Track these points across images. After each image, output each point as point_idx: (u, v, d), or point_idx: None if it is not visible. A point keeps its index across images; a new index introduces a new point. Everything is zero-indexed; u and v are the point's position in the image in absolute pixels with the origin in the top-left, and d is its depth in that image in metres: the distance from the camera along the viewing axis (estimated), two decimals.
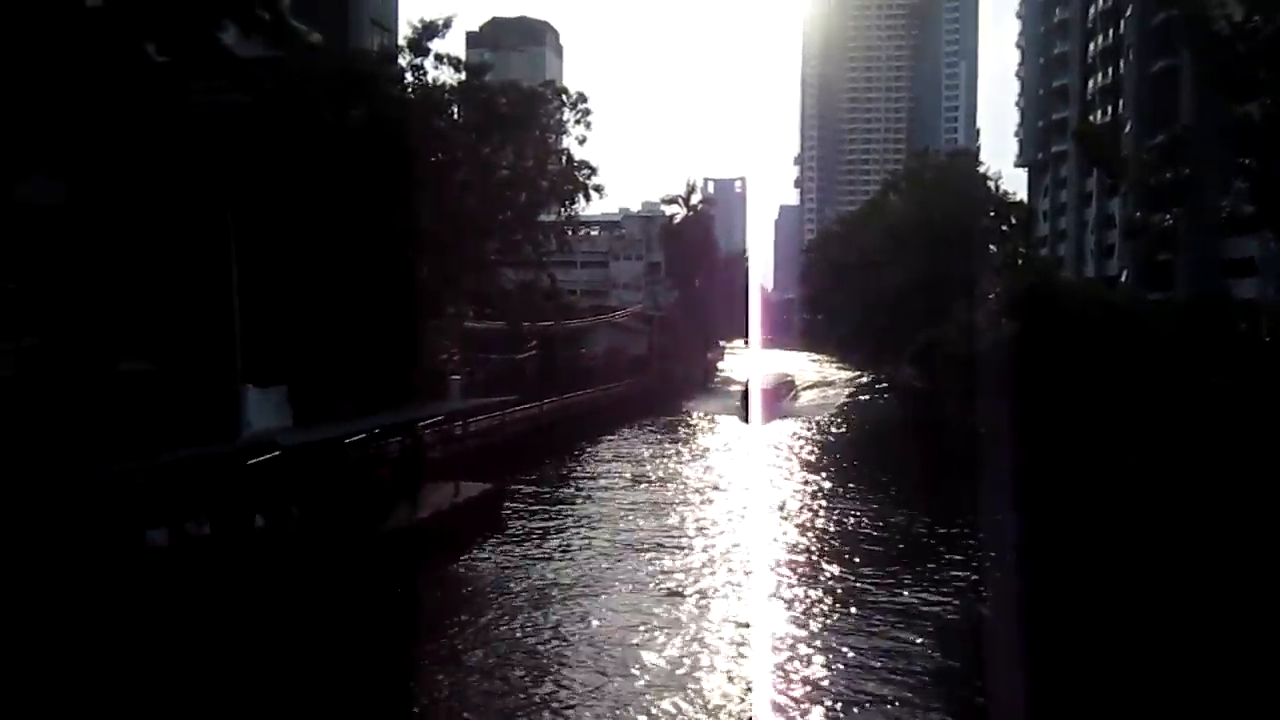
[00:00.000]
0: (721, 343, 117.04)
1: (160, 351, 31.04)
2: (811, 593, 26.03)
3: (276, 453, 24.77)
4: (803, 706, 18.63)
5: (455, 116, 42.79)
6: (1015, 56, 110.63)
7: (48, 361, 23.69)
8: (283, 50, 31.38)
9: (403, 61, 40.43)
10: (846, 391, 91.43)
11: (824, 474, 45.47)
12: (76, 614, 18.28)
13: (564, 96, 48.37)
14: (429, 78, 41.58)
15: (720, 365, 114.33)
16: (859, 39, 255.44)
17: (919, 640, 22.20)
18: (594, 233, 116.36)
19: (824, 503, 38.42)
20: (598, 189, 50.39)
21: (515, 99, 45.40)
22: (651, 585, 26.88)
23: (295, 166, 30.32)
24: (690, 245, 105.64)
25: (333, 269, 31.74)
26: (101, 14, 26.16)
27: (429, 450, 35.93)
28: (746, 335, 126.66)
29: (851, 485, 42.34)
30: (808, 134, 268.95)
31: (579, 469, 47.19)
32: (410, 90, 37.03)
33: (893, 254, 72.30)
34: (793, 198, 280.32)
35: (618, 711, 18.48)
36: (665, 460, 49.35)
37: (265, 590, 22.14)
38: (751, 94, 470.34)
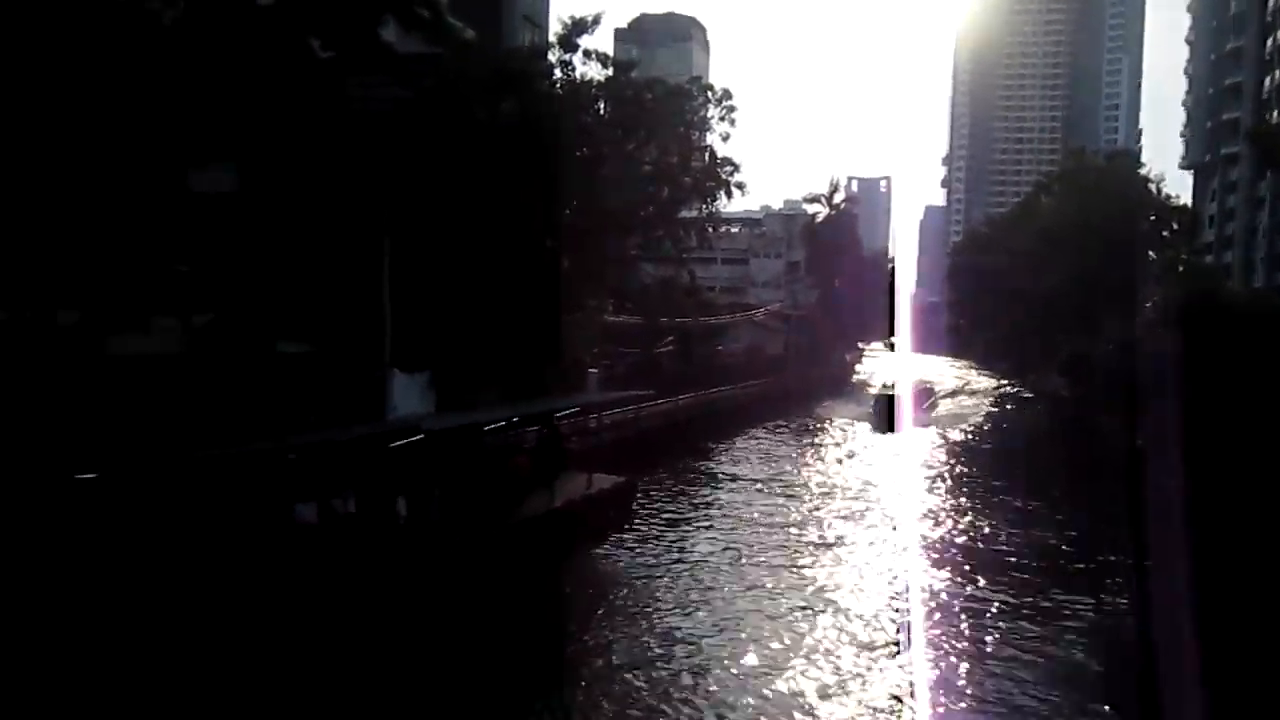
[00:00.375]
0: (860, 345, 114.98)
1: (315, 334, 32.50)
2: (959, 609, 25.28)
3: (419, 436, 25.52)
4: None
5: (601, 112, 43.25)
6: (1183, 52, 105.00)
7: (214, 341, 25.04)
8: (440, 47, 32.36)
9: (552, 58, 41.12)
10: (990, 400, 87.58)
11: (965, 486, 43.77)
12: (229, 582, 19.28)
13: (709, 93, 48.30)
14: (577, 74, 42.19)
15: (858, 367, 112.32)
16: (1014, 32, 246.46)
17: (1081, 657, 21.41)
18: (734, 229, 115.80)
19: (967, 516, 37.15)
20: (739, 186, 50.26)
21: (661, 95, 45.60)
22: (784, 592, 26.52)
23: (447, 161, 31.23)
24: (832, 244, 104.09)
25: (479, 260, 32.57)
26: (271, 12, 27.52)
27: (565, 441, 36.43)
28: (887, 338, 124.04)
29: (997, 499, 40.72)
30: (957, 132, 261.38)
31: (713, 466, 47.10)
32: (559, 86, 37.60)
33: (1044, 258, 69.62)
34: (939, 198, 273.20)
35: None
36: (800, 463, 48.75)
37: (407, 571, 22.87)
38: (898, 91, 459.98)
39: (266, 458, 24.48)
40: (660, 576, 27.46)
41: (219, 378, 26.83)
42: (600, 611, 24.39)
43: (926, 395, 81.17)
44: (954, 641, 22.41)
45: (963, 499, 40.80)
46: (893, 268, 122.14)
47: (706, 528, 33.81)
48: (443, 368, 31.97)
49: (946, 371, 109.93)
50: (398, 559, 23.15)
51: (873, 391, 76.15)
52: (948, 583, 27.48)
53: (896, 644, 22.30)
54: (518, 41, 50.59)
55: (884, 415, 64.73)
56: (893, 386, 74.52)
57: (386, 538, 24.00)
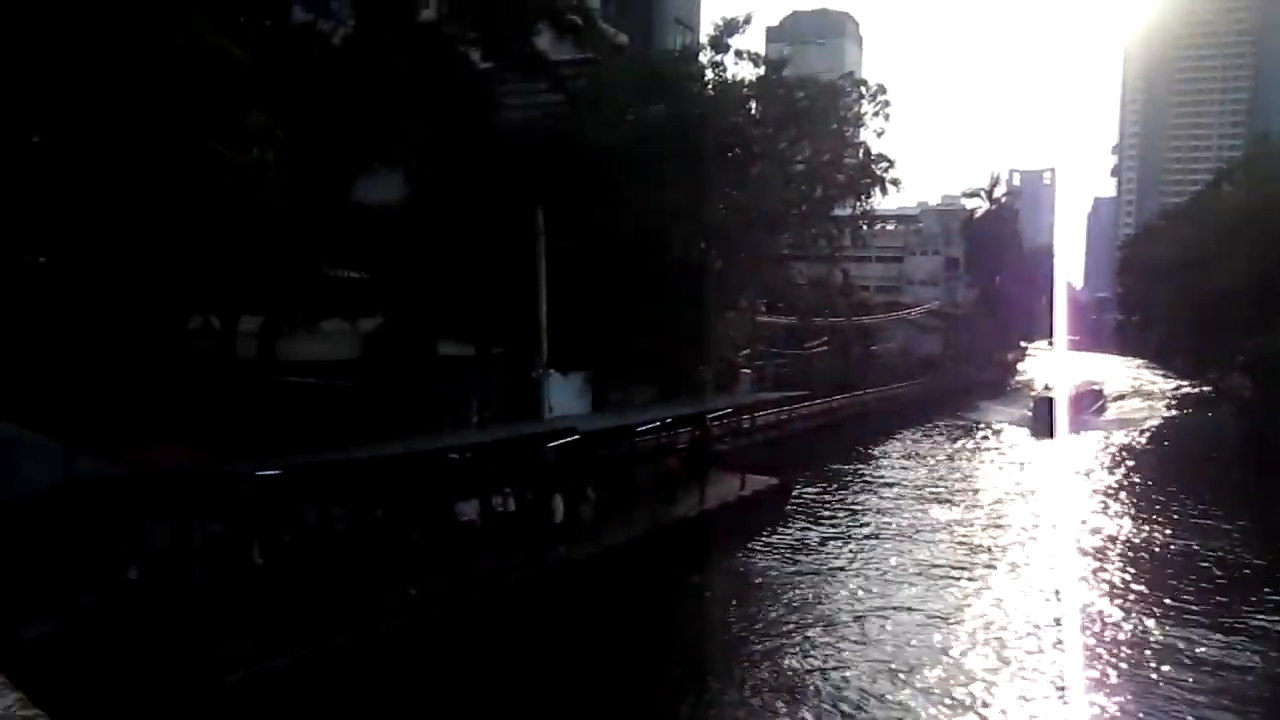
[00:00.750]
0: (1023, 344, 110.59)
1: (475, 337, 33.49)
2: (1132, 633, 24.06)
3: (575, 437, 25.95)
4: None
5: (753, 112, 43.01)
6: None
7: (382, 344, 26.09)
8: (592, 53, 32.85)
9: (703, 59, 41.13)
10: (1165, 402, 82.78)
11: (1138, 499, 41.22)
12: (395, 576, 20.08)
13: (863, 89, 47.36)
14: (729, 74, 42.10)
15: (1020, 367, 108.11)
16: (1193, 11, 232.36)
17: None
18: (889, 227, 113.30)
19: (1142, 531, 35.17)
20: (894, 182, 49.04)
21: (813, 92, 44.99)
22: (943, 609, 25.70)
23: (601, 164, 31.65)
24: (992, 240, 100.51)
25: (631, 263, 32.87)
26: (433, 26, 28.52)
27: (716, 442, 36.42)
28: (1051, 336, 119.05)
29: (1169, 509, 38.45)
30: (1128, 119, 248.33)
31: (866, 470, 46.21)
32: (710, 87, 37.57)
33: (1224, 251, 65.34)
34: (1108, 190, 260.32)
35: None
36: (956, 469, 47.07)
37: (562, 571, 23.30)
38: (1063, 79, 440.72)
39: (429, 457, 25.39)
40: (809, 584, 27.01)
41: (386, 379, 27.98)
42: (749, 611, 24.21)
43: (1094, 398, 76.66)
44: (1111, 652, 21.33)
45: (1128, 509, 38.71)
46: (1057, 263, 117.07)
47: (860, 533, 33.13)
48: (598, 369, 32.40)
49: (1116, 371, 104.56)
50: (549, 559, 23.62)
51: (1033, 394, 72.22)
52: (1108, 599, 26.17)
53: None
54: (669, 44, 50.86)
55: (1044, 419, 61.06)
56: (1054, 388, 70.84)
57: (544, 537, 24.52)
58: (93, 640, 16.95)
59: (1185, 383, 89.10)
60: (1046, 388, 74.60)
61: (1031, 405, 66.16)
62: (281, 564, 18.59)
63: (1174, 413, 75.68)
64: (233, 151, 17.67)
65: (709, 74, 39.65)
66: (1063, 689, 19.69)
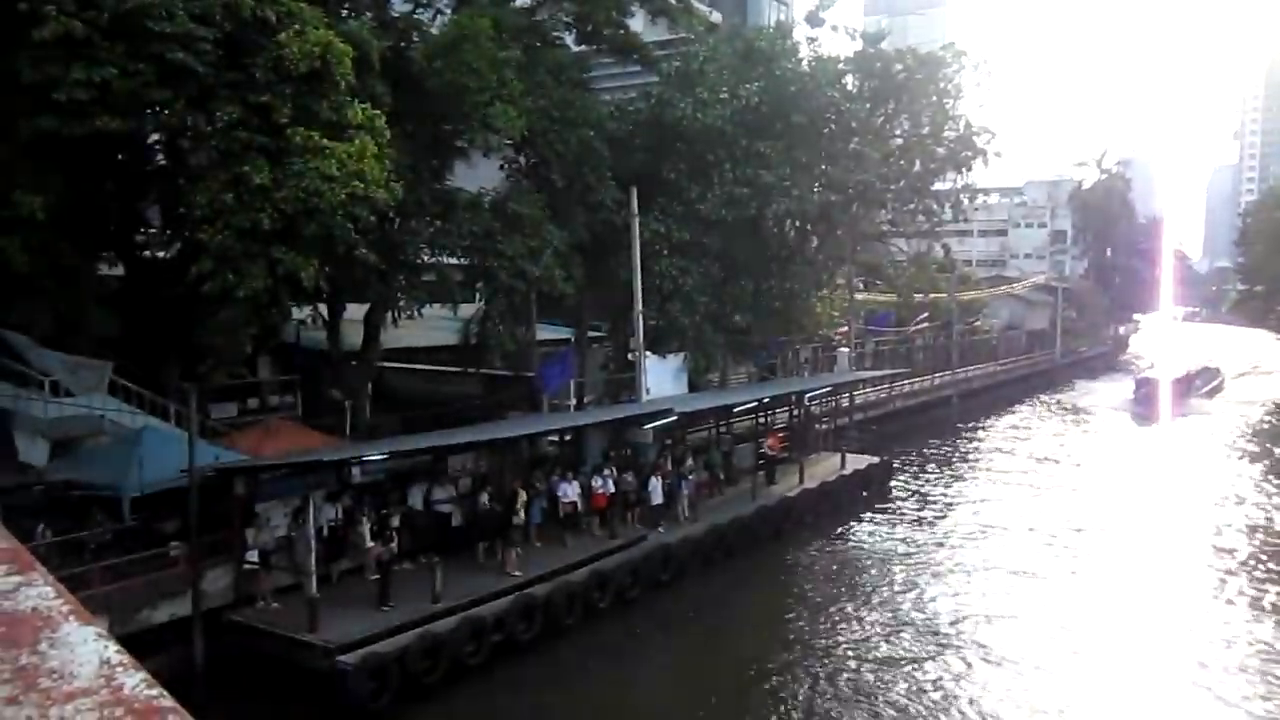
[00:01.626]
0: (1136, 317, 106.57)
1: (573, 320, 33.84)
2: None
3: (673, 418, 26.06)
4: None
5: (849, 86, 42.26)
6: None
7: (482, 329, 26.53)
8: (686, 31, 32.72)
9: (799, 35, 40.54)
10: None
11: (1235, 491, 39.27)
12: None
13: (963, 59, 46.03)
14: (824, 49, 41.42)
15: (1133, 340, 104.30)
16: None
17: None
18: (992, 200, 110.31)
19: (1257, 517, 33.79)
20: (997, 154, 47.61)
21: (912, 65, 43.89)
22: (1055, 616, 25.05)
23: (695, 144, 31.55)
24: (1102, 211, 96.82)
25: (727, 242, 32.73)
26: (529, 11, 28.74)
27: (816, 421, 36.12)
28: (1167, 308, 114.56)
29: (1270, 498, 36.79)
30: (1252, 81, 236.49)
31: (968, 449, 45.14)
32: (806, 63, 37.02)
33: None
34: (1230, 156, 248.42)
35: None
36: (1050, 454, 44.85)
37: (663, 552, 23.45)
38: (1180, 36, 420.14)
39: (530, 440, 25.80)
40: (913, 571, 26.54)
41: (486, 362, 28.50)
42: (840, 592, 23.95)
43: (1208, 377, 69.95)
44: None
45: (1221, 502, 37.10)
46: (1171, 232, 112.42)
47: (963, 513, 32.42)
48: (694, 350, 32.42)
49: (1237, 343, 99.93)
50: (655, 539, 23.79)
51: (1137, 374, 66.44)
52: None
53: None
54: (763, 21, 50.33)
55: (1148, 402, 55.80)
56: (1162, 367, 66.67)
57: (644, 518, 24.72)
58: (216, 623, 17.77)
59: None
60: (1152, 365, 70.94)
61: (1134, 387, 60.38)
62: (390, 547, 19.08)
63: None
64: (335, 142, 18.12)
65: (804, 50, 39.02)
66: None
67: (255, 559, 18.10)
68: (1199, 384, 65.17)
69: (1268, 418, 57.38)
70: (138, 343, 22.72)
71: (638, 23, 33.72)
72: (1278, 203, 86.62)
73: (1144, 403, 56.15)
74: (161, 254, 23.32)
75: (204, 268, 17.73)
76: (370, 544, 19.43)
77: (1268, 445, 47.56)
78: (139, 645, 15.54)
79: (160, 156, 22.17)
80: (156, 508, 18.84)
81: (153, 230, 23.84)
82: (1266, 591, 24.32)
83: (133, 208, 23.13)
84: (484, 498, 21.23)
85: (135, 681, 1.20)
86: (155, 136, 20.91)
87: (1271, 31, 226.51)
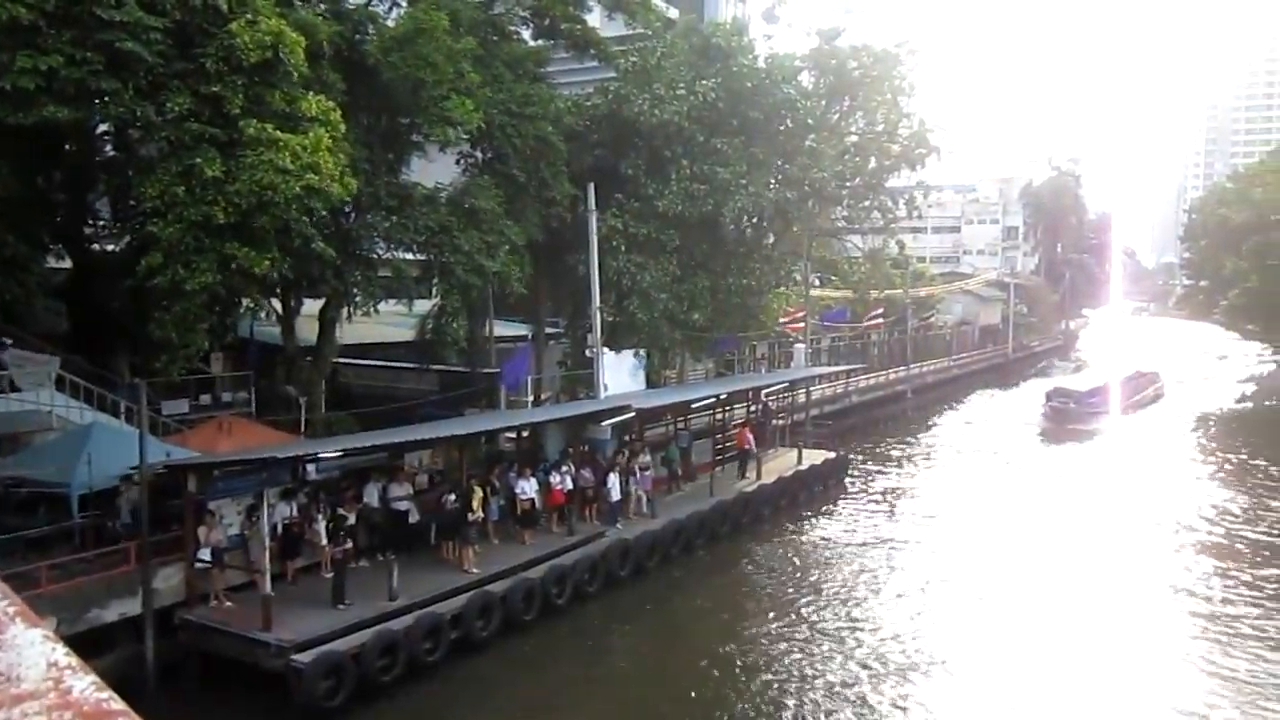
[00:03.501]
0: (1087, 311, 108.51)
1: (532, 317, 33.75)
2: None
3: (631, 414, 26.08)
4: None
5: (805, 83, 42.45)
6: None
7: (438, 325, 26.35)
8: (642, 27, 32.67)
9: (755, 31, 40.69)
10: (1234, 386, 75.31)
11: (1208, 467, 40.54)
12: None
13: (917, 57, 46.44)
14: (781, 46, 41.59)
15: (1084, 335, 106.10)
16: None
17: None
18: (945, 197, 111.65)
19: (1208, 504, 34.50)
20: (951, 152, 48.11)
21: (867, 62, 44.23)
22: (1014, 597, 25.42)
23: (652, 140, 31.52)
24: (1052, 207, 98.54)
25: (684, 238, 32.76)
26: (484, 5, 28.54)
27: (773, 417, 36.34)
28: (1116, 303, 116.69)
29: (1235, 480, 37.59)
30: (1198, 80, 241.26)
31: (923, 444, 45.61)
32: (762, 59, 37.14)
33: None
34: (1175, 154, 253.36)
35: None
36: (1017, 444, 45.77)
37: (621, 549, 23.46)
38: (1125, 42, 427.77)
39: (487, 437, 25.71)
40: (871, 567, 26.81)
41: (442, 358, 28.33)
42: (797, 585, 24.12)
43: (1142, 384, 59.72)
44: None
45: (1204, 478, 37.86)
46: (1120, 230, 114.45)
47: (918, 506, 32.81)
48: (652, 346, 32.45)
49: (1183, 337, 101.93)
50: (613, 535, 23.80)
51: (1052, 381, 58.15)
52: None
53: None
54: (720, 17, 50.34)
55: (1060, 417, 49.21)
56: (1085, 372, 62.40)
57: (602, 514, 24.72)
58: (167, 623, 17.51)
59: (1260, 346, 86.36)
60: (1081, 368, 67.77)
61: (1045, 399, 51.97)
62: (346, 545, 18.91)
63: (1246, 379, 72.82)
64: (289, 134, 17.88)
65: (760, 46, 39.14)
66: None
67: (208, 557, 17.84)
68: (1129, 393, 55.59)
69: (1204, 442, 46.99)
70: (86, 337, 22.31)
71: (595, 18, 33.59)
72: (1221, 200, 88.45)
73: (1054, 418, 49.64)
74: (111, 247, 22.91)
75: (154, 261, 17.42)
76: (326, 542, 19.24)
77: (1189, 483, 37.01)
78: (89, 644, 15.33)
79: (109, 147, 21.76)
80: (107, 505, 18.54)
81: (102, 222, 23.41)
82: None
83: (81, 199, 22.70)
84: (450, 497, 21.09)
85: (84, 684, 1.17)
86: (104, 127, 20.51)
87: (1217, 29, 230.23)
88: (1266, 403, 60.53)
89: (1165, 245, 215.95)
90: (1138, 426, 50.38)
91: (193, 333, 18.24)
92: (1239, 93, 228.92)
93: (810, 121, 40.29)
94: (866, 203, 47.67)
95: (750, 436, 32.10)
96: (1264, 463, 40.22)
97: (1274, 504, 33.00)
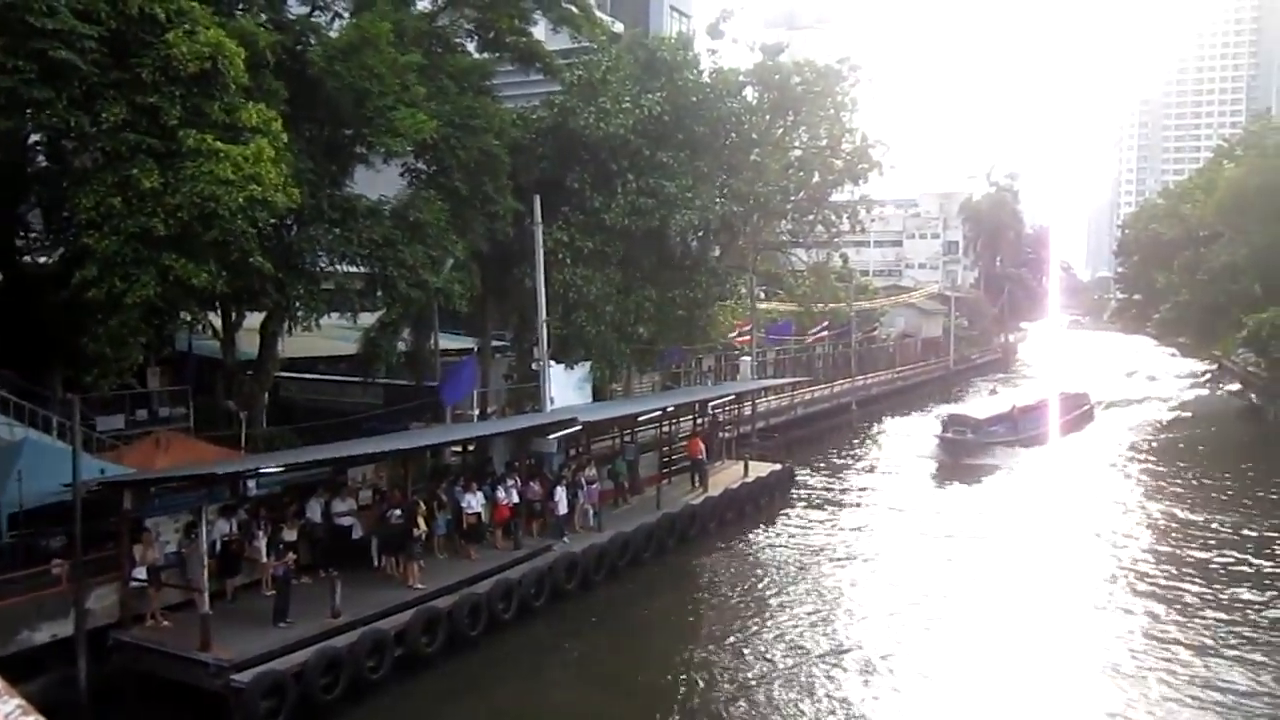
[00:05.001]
0: (1024, 325, 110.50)
1: (478, 330, 33.54)
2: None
3: (577, 427, 26.00)
4: None
5: (750, 98, 42.88)
6: None
7: (382, 339, 26.11)
8: (588, 40, 32.74)
9: (699, 46, 40.99)
10: (1161, 406, 74.09)
11: (1148, 480, 40.77)
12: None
13: (859, 73, 47.21)
14: (725, 61, 41.98)
15: (1022, 348, 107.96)
16: None
17: None
18: (887, 211, 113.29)
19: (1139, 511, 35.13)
20: (892, 167, 48.95)
21: (810, 77, 44.86)
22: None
23: (598, 153, 31.57)
24: (991, 222, 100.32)
25: (630, 252, 32.82)
26: (429, 17, 28.43)
27: (720, 429, 36.46)
28: (1053, 316, 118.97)
29: (1176, 495, 38.21)
30: (1128, 99, 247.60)
31: (866, 455, 45.99)
32: (707, 74, 37.43)
33: (1226, 227, 65.27)
34: (1108, 170, 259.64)
35: None
36: (904, 484, 40.05)
37: (568, 562, 23.36)
38: (1061, 60, 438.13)
39: (432, 451, 25.47)
40: (807, 561, 27.04)
41: (386, 372, 28.05)
42: (743, 596, 24.21)
43: (1070, 406, 53.34)
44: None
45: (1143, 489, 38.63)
46: (1055, 243, 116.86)
47: (862, 515, 33.14)
48: (599, 359, 32.42)
49: (1118, 349, 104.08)
50: (560, 548, 23.67)
51: (946, 410, 51.44)
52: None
53: None
54: (665, 31, 50.67)
55: (953, 448, 43.23)
56: (986, 400, 55.27)
57: (548, 528, 24.60)
58: (101, 644, 17.05)
59: (1187, 358, 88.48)
60: (993, 391, 62.11)
61: (940, 428, 45.50)
62: (288, 561, 18.61)
63: (1176, 392, 74.46)
64: (230, 145, 17.62)
65: (705, 61, 39.48)
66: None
67: (144, 575, 17.42)
68: (1047, 418, 49.57)
69: (1125, 482, 39.92)
70: (17, 352, 21.70)
71: (540, 31, 33.65)
72: (1152, 215, 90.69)
73: (948, 450, 43.54)
74: (44, 259, 22.36)
75: (89, 274, 17.03)
76: (266, 558, 18.91)
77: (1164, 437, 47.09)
78: (19, 667, 14.86)
79: (42, 158, 21.26)
80: (38, 524, 18.03)
81: (34, 235, 22.84)
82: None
83: (11, 211, 22.12)
84: (395, 512, 20.84)
85: (9, 709, 1.14)
86: (36, 137, 20.05)
87: (1144, 45, 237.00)
88: (1196, 437, 51.37)
89: (1100, 260, 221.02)
90: (1049, 458, 44.01)
91: (127, 347, 17.85)
92: (1168, 111, 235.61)
93: (755, 136, 40.77)
94: (810, 217, 48.36)
95: (701, 446, 32.26)
96: (1189, 514, 32.99)
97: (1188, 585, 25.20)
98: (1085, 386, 59.52)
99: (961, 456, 42.62)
